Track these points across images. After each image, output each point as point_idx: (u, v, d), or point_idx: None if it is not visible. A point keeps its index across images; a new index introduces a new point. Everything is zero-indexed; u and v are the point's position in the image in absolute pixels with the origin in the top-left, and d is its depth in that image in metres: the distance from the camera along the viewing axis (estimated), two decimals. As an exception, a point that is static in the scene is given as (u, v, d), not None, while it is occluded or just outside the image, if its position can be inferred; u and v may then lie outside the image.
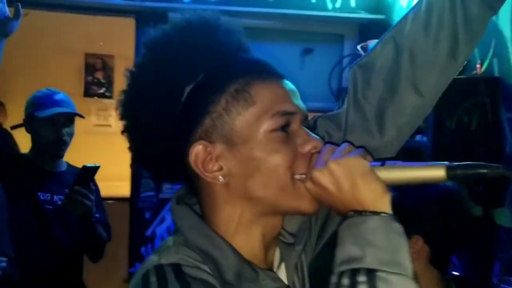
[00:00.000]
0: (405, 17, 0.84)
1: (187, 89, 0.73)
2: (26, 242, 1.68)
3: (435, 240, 1.08)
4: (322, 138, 0.79)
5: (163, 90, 0.72)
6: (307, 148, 0.74)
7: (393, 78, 0.83)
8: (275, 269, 0.78)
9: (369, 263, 0.64)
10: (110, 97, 4.69)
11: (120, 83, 5.00)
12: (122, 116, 0.77)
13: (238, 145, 0.71)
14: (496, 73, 2.14)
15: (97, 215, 1.94)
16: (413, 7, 0.84)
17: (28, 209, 1.83)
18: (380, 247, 0.66)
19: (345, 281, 0.64)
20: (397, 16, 2.94)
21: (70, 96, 4.92)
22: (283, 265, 0.79)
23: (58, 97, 1.97)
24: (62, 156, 1.97)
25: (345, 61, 3.13)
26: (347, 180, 0.67)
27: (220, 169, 0.72)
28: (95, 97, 4.68)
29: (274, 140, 0.72)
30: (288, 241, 0.79)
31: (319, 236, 0.84)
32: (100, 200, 2.06)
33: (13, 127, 1.99)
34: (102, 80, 4.68)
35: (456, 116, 2.36)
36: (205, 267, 0.69)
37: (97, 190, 1.99)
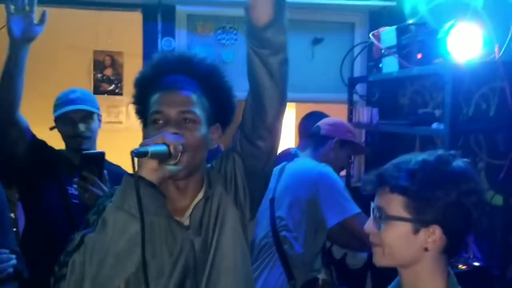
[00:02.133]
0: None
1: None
2: (56, 236, 1.66)
3: (453, 228, 1.05)
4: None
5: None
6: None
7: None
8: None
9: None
10: (120, 94, 4.69)
11: (129, 79, 5.01)
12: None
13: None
14: (515, 57, 2.08)
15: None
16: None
17: (58, 204, 1.92)
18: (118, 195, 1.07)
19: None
20: (408, 2, 2.87)
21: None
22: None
23: (74, 95, 2.05)
24: (85, 149, 1.97)
25: (356, 49, 3.07)
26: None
27: None
28: (105, 94, 4.68)
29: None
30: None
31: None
32: None
33: (51, 129, 2.07)
34: (112, 77, 4.68)
35: (473, 102, 2.30)
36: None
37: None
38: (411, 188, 1.03)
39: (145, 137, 1.28)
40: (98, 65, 4.66)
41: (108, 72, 4.68)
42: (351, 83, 3.01)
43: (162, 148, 1.06)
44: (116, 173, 1.94)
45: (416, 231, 1.04)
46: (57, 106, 2.06)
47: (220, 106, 1.25)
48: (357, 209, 2.14)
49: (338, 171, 2.39)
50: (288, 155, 2.59)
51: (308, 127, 2.60)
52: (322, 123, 2.48)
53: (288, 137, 4.40)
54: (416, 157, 1.09)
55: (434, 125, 2.19)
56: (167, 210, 1.18)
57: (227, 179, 1.25)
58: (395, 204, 1.05)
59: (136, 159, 1.03)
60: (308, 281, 2.20)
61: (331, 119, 2.56)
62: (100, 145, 4.33)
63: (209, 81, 1.23)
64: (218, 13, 2.96)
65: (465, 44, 2.08)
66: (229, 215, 1.23)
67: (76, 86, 4.53)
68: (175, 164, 1.10)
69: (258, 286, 2.17)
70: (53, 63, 4.40)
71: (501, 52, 2.04)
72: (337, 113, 3.09)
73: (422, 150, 2.71)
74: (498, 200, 2.14)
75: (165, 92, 1.16)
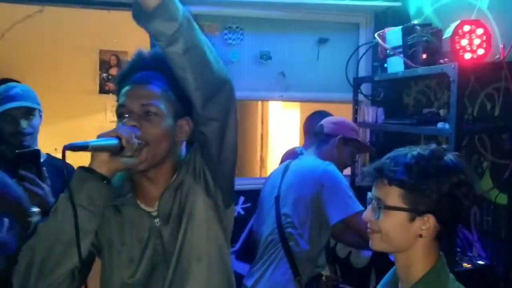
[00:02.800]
0: None
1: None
2: None
3: (445, 217, 1.13)
4: None
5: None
6: None
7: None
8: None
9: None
10: (125, 93, 4.71)
11: (135, 78, 4.98)
12: None
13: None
14: (520, 57, 2.08)
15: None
16: None
17: None
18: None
19: None
20: (413, 3, 2.88)
21: (86, 93, 4.96)
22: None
23: (13, 91, 1.97)
24: (27, 146, 1.92)
25: (362, 49, 3.08)
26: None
27: None
28: (110, 94, 4.70)
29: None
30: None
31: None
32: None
33: None
34: (117, 77, 4.71)
35: (478, 102, 2.31)
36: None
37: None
38: (408, 181, 1.11)
39: None
40: (104, 65, 4.68)
41: (114, 71, 4.70)
42: (356, 83, 3.02)
43: (112, 141, 1.07)
44: (61, 167, 1.89)
45: (411, 220, 1.13)
46: None
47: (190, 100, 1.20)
48: (360, 207, 2.15)
49: (341, 169, 2.41)
50: (294, 154, 2.60)
51: (313, 126, 2.61)
52: (325, 121, 2.50)
53: (293, 136, 4.41)
54: (411, 151, 1.16)
55: (439, 125, 2.19)
56: (134, 199, 1.25)
57: (195, 169, 1.27)
58: (393, 196, 1.13)
59: (84, 152, 1.08)
60: (312, 277, 2.22)
61: (335, 118, 2.58)
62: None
63: None
64: (225, 13, 2.97)
65: (470, 44, 2.09)
66: (199, 204, 1.25)
67: (81, 85, 4.59)
68: (131, 157, 1.12)
69: (264, 282, 2.19)
70: (59, 63, 4.43)
71: (506, 52, 2.05)
72: (342, 113, 3.10)
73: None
74: (502, 199, 2.15)
75: (130, 87, 1.21)
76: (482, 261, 2.20)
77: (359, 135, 2.56)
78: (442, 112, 2.38)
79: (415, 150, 1.16)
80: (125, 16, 3.68)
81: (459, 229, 2.30)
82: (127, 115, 1.19)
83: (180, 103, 1.23)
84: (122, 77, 1.27)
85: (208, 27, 2.98)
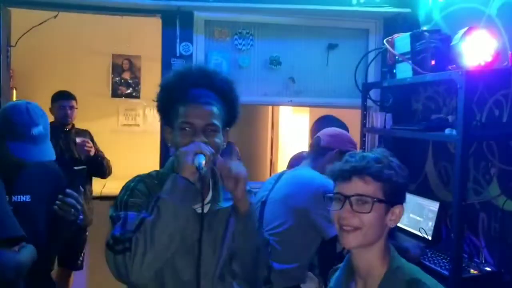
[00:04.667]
0: None
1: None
2: None
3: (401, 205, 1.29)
4: None
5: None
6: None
7: None
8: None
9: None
10: (137, 97, 4.77)
11: (146, 83, 5.08)
12: None
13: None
14: (528, 64, 2.09)
15: (81, 216, 1.94)
16: None
17: None
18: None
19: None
20: (422, 9, 2.89)
21: (98, 96, 5.04)
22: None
23: (36, 131, 1.78)
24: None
25: (371, 55, 3.10)
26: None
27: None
28: (123, 98, 4.77)
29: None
30: None
31: None
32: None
33: None
34: (129, 81, 4.77)
35: (486, 108, 2.32)
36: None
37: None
38: (391, 176, 1.23)
39: (165, 133, 1.50)
40: (116, 69, 4.75)
41: (126, 75, 4.77)
42: (365, 88, 3.04)
43: (203, 159, 1.33)
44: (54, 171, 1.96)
45: (386, 211, 1.24)
46: (13, 135, 1.76)
47: (231, 115, 1.49)
48: None
49: None
50: (301, 159, 2.62)
51: (320, 130, 2.62)
52: (322, 133, 2.48)
53: (302, 141, 4.43)
54: (375, 153, 1.27)
55: (447, 131, 2.20)
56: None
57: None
58: (376, 190, 1.22)
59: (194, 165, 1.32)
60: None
61: (332, 130, 2.53)
62: (118, 147, 4.43)
63: (226, 95, 1.47)
64: (235, 19, 3.01)
65: (478, 51, 2.10)
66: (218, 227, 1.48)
67: (94, 88, 4.65)
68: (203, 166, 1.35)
69: None
70: (73, 67, 4.50)
71: (514, 59, 2.05)
72: (351, 118, 3.12)
73: (434, 155, 2.73)
74: (510, 205, 2.15)
75: (192, 105, 1.41)
76: (489, 268, 2.20)
77: (356, 148, 2.53)
78: (450, 118, 2.39)
79: (375, 152, 1.29)
80: (137, 21, 3.77)
81: (467, 235, 2.31)
82: (189, 130, 1.40)
83: (225, 117, 1.46)
84: (171, 88, 1.47)
85: (219, 33, 3.02)
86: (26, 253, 1.69)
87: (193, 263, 1.38)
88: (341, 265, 1.35)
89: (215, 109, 1.42)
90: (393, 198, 1.24)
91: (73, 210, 1.82)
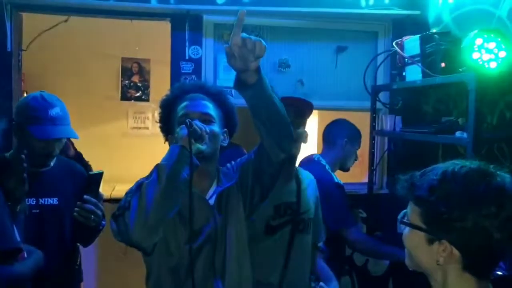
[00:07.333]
0: None
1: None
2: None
3: (469, 249, 0.98)
4: None
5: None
6: None
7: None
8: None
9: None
10: (146, 100, 4.79)
11: (156, 86, 5.10)
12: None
13: None
14: (540, 66, 2.07)
15: (103, 222, 1.93)
16: None
17: None
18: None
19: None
20: (432, 11, 2.88)
21: (108, 99, 5.06)
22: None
23: (54, 112, 1.81)
24: (50, 165, 1.92)
25: (380, 58, 3.09)
26: None
27: None
28: (132, 101, 4.79)
29: None
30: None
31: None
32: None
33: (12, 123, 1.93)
34: (139, 84, 4.79)
35: (497, 111, 2.30)
36: None
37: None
38: (426, 201, 1.01)
39: (169, 142, 1.58)
40: (126, 72, 4.78)
41: (136, 78, 4.79)
42: (375, 91, 3.03)
43: (198, 130, 1.43)
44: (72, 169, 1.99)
45: (430, 242, 1.02)
46: (33, 120, 1.80)
47: (226, 116, 1.61)
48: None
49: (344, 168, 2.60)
50: (311, 161, 2.62)
51: (332, 134, 2.63)
52: (327, 128, 2.69)
53: (311, 143, 4.42)
54: (448, 167, 1.03)
55: (458, 134, 2.19)
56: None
57: (237, 180, 1.58)
58: (414, 212, 1.05)
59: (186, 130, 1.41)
60: None
61: (334, 122, 2.71)
62: (127, 150, 4.44)
63: (218, 98, 1.60)
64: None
65: (489, 53, 2.09)
66: (235, 204, 1.57)
67: (104, 91, 4.68)
68: (201, 144, 1.45)
69: None
70: (83, 70, 4.53)
71: (526, 61, 2.04)
72: (360, 121, 3.11)
73: (444, 158, 2.71)
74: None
75: (189, 101, 1.55)
76: (501, 272, 2.17)
77: (359, 132, 2.69)
78: (460, 120, 2.37)
79: (454, 166, 1.02)
80: (147, 25, 3.79)
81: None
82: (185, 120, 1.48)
83: (221, 117, 1.58)
84: (170, 100, 1.61)
85: (228, 36, 3.02)
86: (23, 265, 1.59)
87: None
88: None
89: (210, 105, 1.56)
90: (434, 230, 1.01)
91: (93, 216, 1.81)
